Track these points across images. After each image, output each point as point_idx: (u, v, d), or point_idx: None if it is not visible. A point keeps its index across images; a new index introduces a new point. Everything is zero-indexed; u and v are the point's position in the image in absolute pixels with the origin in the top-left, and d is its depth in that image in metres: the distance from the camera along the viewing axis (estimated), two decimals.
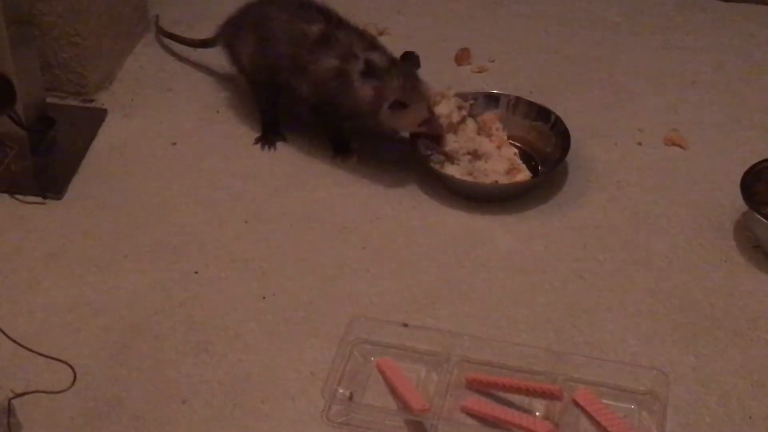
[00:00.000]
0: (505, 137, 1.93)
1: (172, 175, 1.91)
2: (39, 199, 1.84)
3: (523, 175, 1.87)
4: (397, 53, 1.88)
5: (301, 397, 1.51)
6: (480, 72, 2.19)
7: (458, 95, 1.96)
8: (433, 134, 1.87)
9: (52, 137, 1.96)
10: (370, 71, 1.82)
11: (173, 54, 2.22)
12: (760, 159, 1.81)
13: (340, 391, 1.51)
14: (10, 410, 1.36)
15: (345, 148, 1.94)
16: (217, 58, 2.10)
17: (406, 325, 1.58)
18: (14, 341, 1.38)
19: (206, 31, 2.13)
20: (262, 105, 2.00)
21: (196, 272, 1.71)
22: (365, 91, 1.82)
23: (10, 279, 1.70)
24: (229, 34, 2.00)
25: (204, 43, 2.13)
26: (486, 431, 1.47)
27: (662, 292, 1.69)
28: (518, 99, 2.00)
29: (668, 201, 1.87)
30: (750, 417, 1.49)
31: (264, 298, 1.67)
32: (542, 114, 1.96)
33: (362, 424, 1.48)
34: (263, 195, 1.87)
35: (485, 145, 1.91)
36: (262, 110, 2.00)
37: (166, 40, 2.23)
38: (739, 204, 1.76)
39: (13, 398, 1.36)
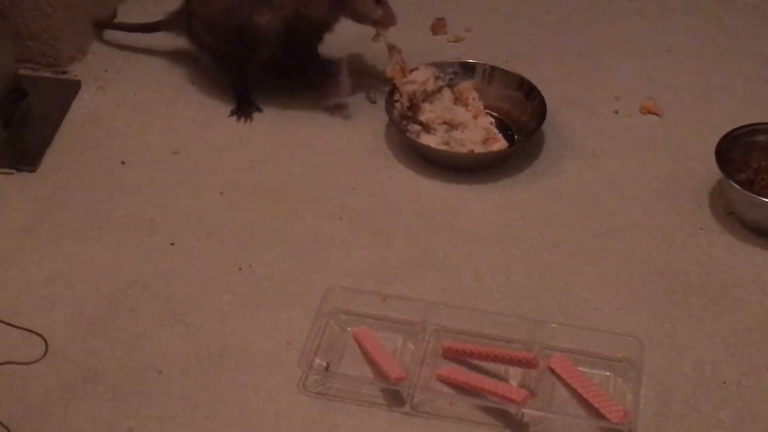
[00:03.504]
0: (482, 107, 1.93)
1: (146, 147, 1.90)
2: (13, 171, 1.83)
3: (500, 144, 1.87)
4: None
5: (278, 367, 1.51)
6: (456, 41, 2.19)
7: (434, 65, 1.95)
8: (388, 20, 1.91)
9: (25, 109, 1.94)
10: None
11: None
12: (735, 126, 1.82)
13: (317, 361, 1.51)
14: None
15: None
16: None
17: (384, 300, 1.58)
18: None
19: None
20: (233, 76, 1.98)
21: (172, 244, 1.71)
22: None
23: None
24: (182, 21, 1.99)
25: (151, 27, 2.09)
26: (462, 399, 1.47)
27: (637, 259, 1.69)
28: (494, 68, 1.99)
29: (644, 169, 1.87)
30: (724, 382, 1.50)
31: (240, 269, 1.66)
32: (518, 83, 1.96)
33: (339, 393, 1.48)
34: (239, 166, 1.87)
35: (461, 114, 1.91)
36: (234, 82, 1.98)
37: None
38: (714, 171, 1.77)
39: None
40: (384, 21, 1.92)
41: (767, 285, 1.65)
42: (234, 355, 1.53)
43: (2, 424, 1.36)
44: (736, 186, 1.70)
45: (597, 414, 1.44)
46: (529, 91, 1.94)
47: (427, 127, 1.89)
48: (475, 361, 1.52)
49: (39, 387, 1.47)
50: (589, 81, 2.08)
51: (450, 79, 1.95)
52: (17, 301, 1.60)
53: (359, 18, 1.93)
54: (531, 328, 1.54)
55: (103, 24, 2.16)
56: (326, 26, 1.95)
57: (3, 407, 1.41)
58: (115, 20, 2.17)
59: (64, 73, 2.06)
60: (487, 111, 1.94)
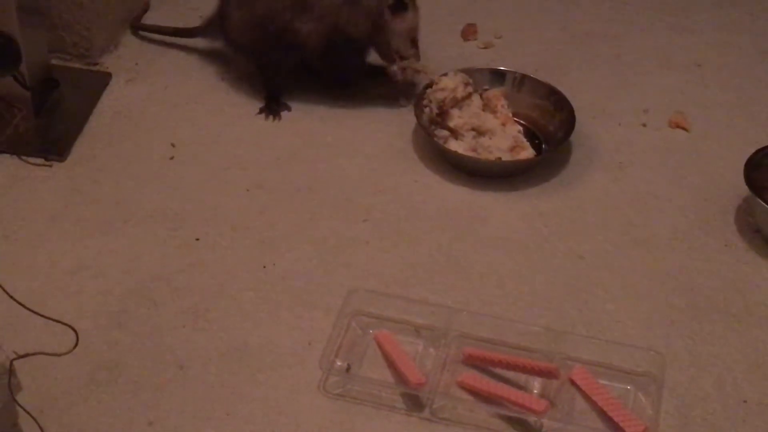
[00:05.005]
0: (510, 114, 1.93)
1: (174, 141, 1.91)
2: (43, 161, 1.84)
3: (527, 152, 1.87)
4: None
5: (299, 366, 1.51)
6: (486, 48, 2.18)
7: (464, 71, 1.95)
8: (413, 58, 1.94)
9: (55, 99, 1.95)
10: None
11: (178, 20, 2.20)
12: (765, 143, 1.81)
13: (338, 362, 1.51)
14: (11, 371, 1.36)
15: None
16: None
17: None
18: (18, 302, 1.38)
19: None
20: (267, 74, 1.99)
21: (197, 239, 1.71)
22: (370, 1, 1.88)
23: (12, 239, 1.70)
24: (217, 25, 2.01)
25: (188, 33, 2.12)
26: (482, 407, 1.47)
27: (661, 274, 1.69)
28: (524, 76, 1.99)
29: (670, 183, 1.87)
30: (745, 401, 1.50)
31: (264, 267, 1.67)
32: (548, 92, 1.96)
33: (359, 395, 1.48)
34: (266, 164, 1.87)
35: (490, 121, 1.91)
36: (266, 80, 1.99)
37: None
38: (742, 188, 1.76)
39: (15, 359, 1.36)
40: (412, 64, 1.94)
41: None
42: (255, 353, 1.53)
43: (29, 414, 1.36)
44: (764, 204, 1.70)
45: (616, 427, 1.44)
46: (558, 101, 1.94)
47: (455, 133, 1.89)
48: (496, 369, 1.52)
49: (62, 377, 1.48)
50: (618, 93, 2.08)
51: (481, 94, 1.96)
52: (43, 291, 1.61)
53: (387, 52, 1.93)
54: (552, 339, 1.53)
55: (139, 26, 2.17)
56: (365, 45, 1.96)
57: (28, 397, 1.41)
58: (152, 23, 2.17)
59: (96, 64, 2.08)
60: (516, 119, 1.94)
